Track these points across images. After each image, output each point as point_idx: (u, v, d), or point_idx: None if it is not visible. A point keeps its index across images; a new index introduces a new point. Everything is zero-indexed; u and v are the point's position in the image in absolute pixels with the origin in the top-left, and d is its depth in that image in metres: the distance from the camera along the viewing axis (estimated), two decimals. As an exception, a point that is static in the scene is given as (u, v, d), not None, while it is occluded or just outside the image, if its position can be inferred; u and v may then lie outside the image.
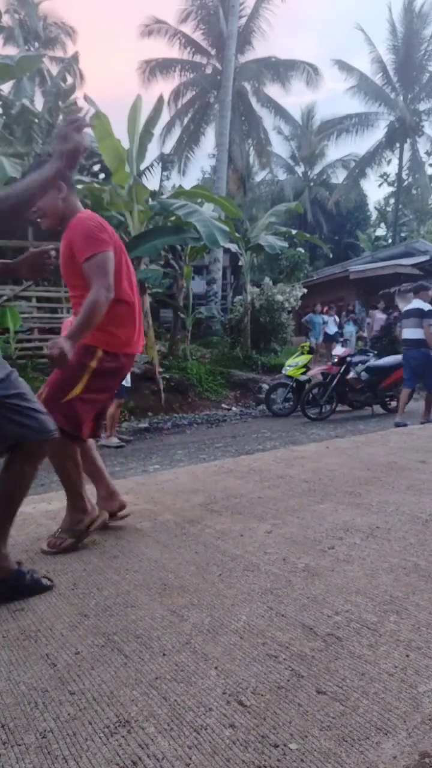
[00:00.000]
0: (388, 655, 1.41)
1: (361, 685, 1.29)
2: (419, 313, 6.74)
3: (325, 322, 15.50)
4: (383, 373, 8.26)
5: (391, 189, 28.33)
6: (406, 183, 25.75)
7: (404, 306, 8.36)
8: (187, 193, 10.90)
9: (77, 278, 2.26)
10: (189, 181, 31.46)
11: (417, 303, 6.92)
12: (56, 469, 2.26)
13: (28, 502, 3.01)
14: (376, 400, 8.47)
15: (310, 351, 9.20)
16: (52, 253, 2.15)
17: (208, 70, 21.31)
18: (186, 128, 22.46)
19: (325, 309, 16.17)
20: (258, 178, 25.90)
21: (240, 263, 14.19)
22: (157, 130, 16.52)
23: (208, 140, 24.55)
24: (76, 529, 2.28)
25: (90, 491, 2.43)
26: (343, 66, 23.20)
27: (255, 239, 12.28)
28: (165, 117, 18.60)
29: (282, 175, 26.49)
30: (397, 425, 6.45)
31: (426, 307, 6.75)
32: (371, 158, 24.92)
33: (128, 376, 6.10)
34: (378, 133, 24.99)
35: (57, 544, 2.23)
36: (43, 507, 2.84)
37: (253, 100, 22.19)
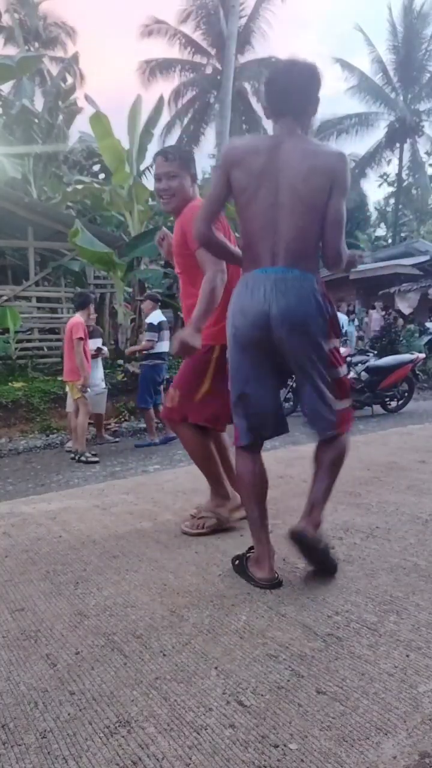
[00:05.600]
0: (388, 655, 1.41)
1: (361, 685, 1.29)
2: None
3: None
4: (383, 374, 8.26)
5: (391, 189, 28.30)
6: (406, 183, 25.73)
7: (405, 306, 8.34)
8: (187, 193, 10.88)
9: (189, 264, 2.30)
10: (189, 181, 31.41)
11: None
12: (197, 460, 2.39)
13: (28, 502, 3.02)
14: (376, 400, 8.46)
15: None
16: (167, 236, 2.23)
17: (208, 70, 21.31)
18: (186, 128, 22.46)
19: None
20: (258, 178, 25.89)
21: (240, 263, 14.16)
22: (157, 130, 16.51)
23: (208, 140, 24.52)
24: (217, 511, 2.37)
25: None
26: (344, 65, 23.18)
27: (255, 239, 12.27)
28: (165, 117, 18.52)
29: (282, 175, 26.47)
30: None
31: None
32: (371, 158, 24.91)
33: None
34: (378, 133, 24.97)
35: (200, 525, 2.34)
36: (43, 507, 2.84)
37: (253, 100, 22.17)
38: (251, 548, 1.93)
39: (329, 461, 1.89)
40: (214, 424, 2.33)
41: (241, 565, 1.91)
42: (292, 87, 1.77)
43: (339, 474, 1.92)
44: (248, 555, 1.93)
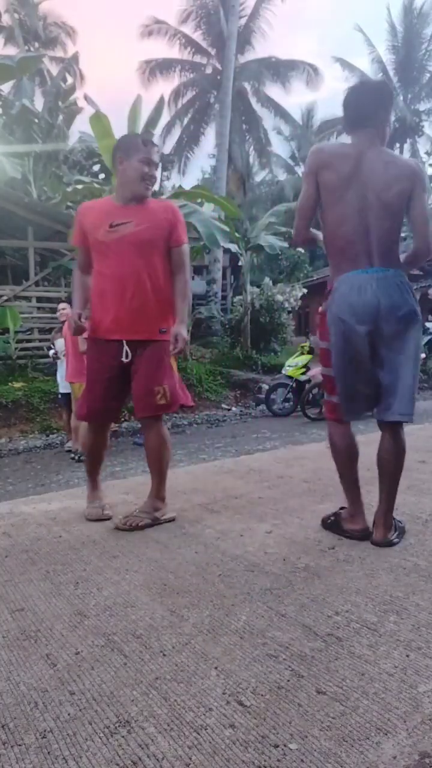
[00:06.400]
0: (388, 655, 1.41)
1: (361, 685, 1.29)
2: None
3: None
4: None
5: (391, 189, 28.29)
6: (406, 183, 25.73)
7: None
8: (187, 193, 10.90)
9: (158, 259, 2.44)
10: (189, 181, 31.42)
11: None
12: (164, 461, 2.55)
13: (28, 502, 3.01)
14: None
15: (310, 351, 9.20)
16: None
17: (208, 70, 21.30)
18: (186, 128, 22.45)
19: None
20: (258, 178, 25.88)
21: (240, 263, 14.18)
22: (157, 130, 16.56)
23: (208, 140, 24.52)
24: (154, 515, 2.47)
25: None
26: (345, 64, 23.18)
27: (255, 239, 12.28)
28: (165, 117, 18.54)
29: (282, 175, 26.42)
30: None
31: None
32: (371, 158, 24.92)
33: None
34: (378, 133, 24.99)
35: (134, 523, 2.41)
36: (43, 507, 2.84)
37: (253, 100, 22.17)
38: (342, 507, 2.30)
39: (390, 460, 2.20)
40: (188, 401, 2.58)
41: (335, 521, 2.25)
42: (369, 102, 2.01)
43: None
44: (339, 513, 2.28)
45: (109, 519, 2.55)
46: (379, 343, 2.01)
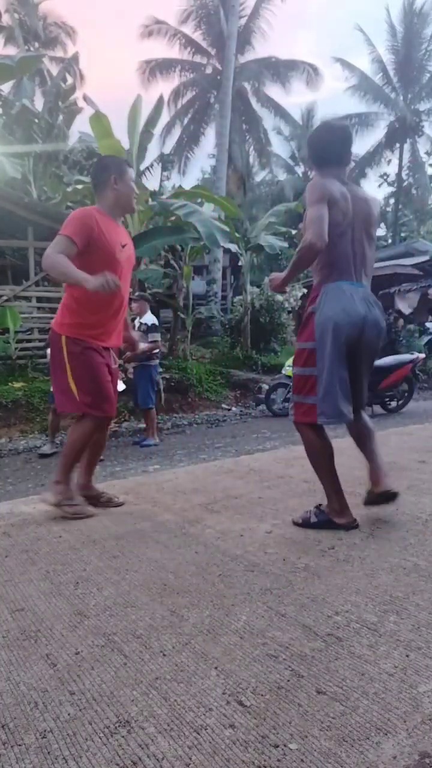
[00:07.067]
0: (388, 655, 1.41)
1: (361, 685, 1.29)
2: None
3: None
4: (383, 374, 8.26)
5: (391, 189, 28.28)
6: (406, 183, 25.72)
7: (404, 306, 8.37)
8: (187, 193, 10.90)
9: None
10: (189, 181, 31.43)
11: None
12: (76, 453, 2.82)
13: (27, 502, 3.02)
14: (376, 400, 8.47)
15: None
16: None
17: (208, 70, 21.30)
18: (186, 128, 22.44)
19: None
20: (258, 178, 25.86)
21: (240, 263, 14.17)
22: (157, 130, 16.54)
23: (208, 140, 24.53)
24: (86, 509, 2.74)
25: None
26: (345, 64, 23.17)
27: (255, 239, 12.27)
28: (165, 117, 18.53)
29: (282, 175, 26.40)
30: None
31: None
32: (371, 158, 24.90)
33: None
34: (378, 133, 24.94)
35: (75, 512, 2.68)
36: (43, 507, 2.84)
37: (253, 100, 22.17)
38: (319, 506, 2.39)
39: (370, 432, 2.47)
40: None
41: (321, 520, 2.33)
42: (347, 143, 2.33)
43: None
44: (321, 510, 2.35)
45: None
46: (357, 349, 2.28)
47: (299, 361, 2.31)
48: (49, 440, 6.46)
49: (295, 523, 2.39)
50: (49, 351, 2.95)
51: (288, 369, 8.97)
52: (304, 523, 2.36)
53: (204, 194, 10.79)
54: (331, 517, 2.33)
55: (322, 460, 2.32)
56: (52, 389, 6.40)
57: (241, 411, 9.78)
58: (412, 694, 1.25)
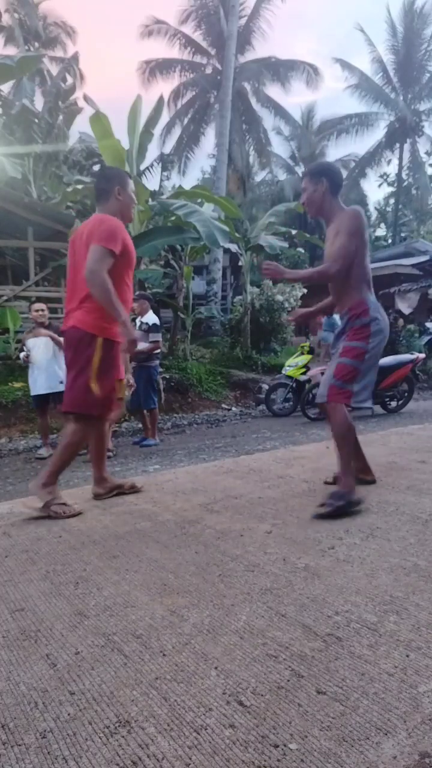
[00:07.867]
0: (388, 655, 1.40)
1: (361, 685, 1.29)
2: None
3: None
4: (383, 374, 8.25)
5: (391, 189, 28.31)
6: (406, 183, 25.74)
7: (404, 306, 8.38)
8: (187, 193, 10.91)
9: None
10: (189, 181, 31.41)
11: None
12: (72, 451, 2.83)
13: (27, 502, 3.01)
14: (376, 400, 8.47)
15: (310, 351, 9.20)
16: None
17: (208, 70, 21.31)
18: (186, 128, 22.46)
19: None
20: (258, 178, 25.88)
21: (240, 263, 14.17)
22: (157, 130, 16.56)
23: (208, 140, 24.56)
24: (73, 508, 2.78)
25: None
26: (345, 65, 23.18)
27: (255, 239, 12.28)
28: (165, 117, 18.56)
29: (282, 175, 26.40)
30: None
31: None
32: (371, 158, 24.91)
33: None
34: (378, 133, 24.97)
35: (65, 512, 2.72)
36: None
37: (253, 100, 22.18)
38: (330, 494, 2.57)
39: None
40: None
41: (345, 502, 2.50)
42: (338, 176, 2.78)
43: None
44: (337, 496, 2.53)
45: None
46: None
47: (350, 354, 2.64)
48: (43, 443, 6.43)
49: (325, 516, 2.48)
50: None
51: (288, 369, 8.97)
52: (337, 511, 2.48)
53: (204, 194, 10.80)
54: (348, 497, 2.53)
55: (349, 437, 2.64)
56: (41, 392, 6.27)
57: (241, 411, 9.78)
58: (412, 694, 1.25)
